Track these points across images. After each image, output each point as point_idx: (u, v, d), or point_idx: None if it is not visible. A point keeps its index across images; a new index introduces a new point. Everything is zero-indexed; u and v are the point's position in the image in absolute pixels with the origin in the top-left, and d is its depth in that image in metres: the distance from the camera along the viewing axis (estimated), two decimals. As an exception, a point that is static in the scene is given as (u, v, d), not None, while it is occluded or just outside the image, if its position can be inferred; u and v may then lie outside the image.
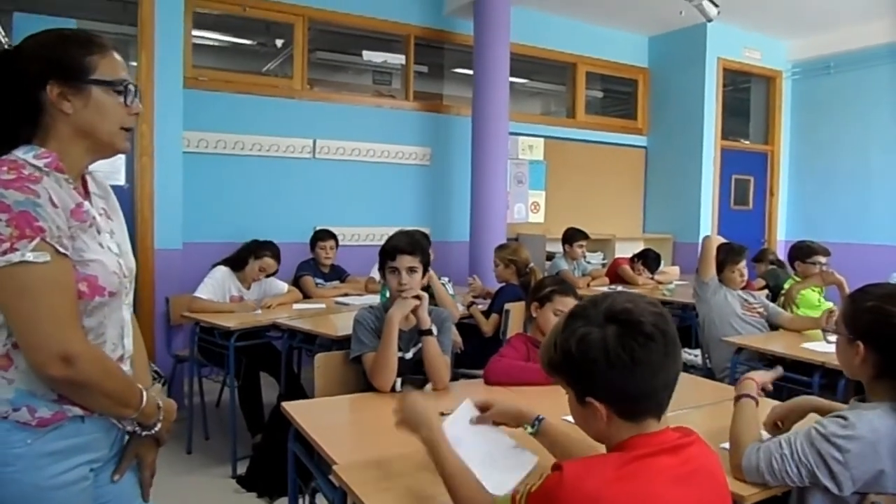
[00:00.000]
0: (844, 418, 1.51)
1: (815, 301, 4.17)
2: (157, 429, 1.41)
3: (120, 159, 4.50)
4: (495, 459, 1.47)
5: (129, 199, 4.53)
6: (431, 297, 4.02)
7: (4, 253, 1.16)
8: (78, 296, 1.27)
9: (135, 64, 4.61)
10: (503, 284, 4.35)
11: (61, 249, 1.22)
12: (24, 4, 4.86)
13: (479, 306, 4.29)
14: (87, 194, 1.40)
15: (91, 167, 1.44)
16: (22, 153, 1.26)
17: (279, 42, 6.06)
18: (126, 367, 1.44)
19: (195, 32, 5.34)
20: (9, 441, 1.24)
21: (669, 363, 1.14)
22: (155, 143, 4.53)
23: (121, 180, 4.52)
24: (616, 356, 1.10)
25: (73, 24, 4.57)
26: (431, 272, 4.14)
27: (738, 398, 1.74)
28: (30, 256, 1.17)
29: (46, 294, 1.20)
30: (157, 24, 4.50)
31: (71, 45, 1.32)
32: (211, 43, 5.92)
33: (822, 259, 4.23)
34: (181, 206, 4.65)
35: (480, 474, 1.33)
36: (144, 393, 1.36)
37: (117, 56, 1.38)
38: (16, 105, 1.30)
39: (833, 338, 1.79)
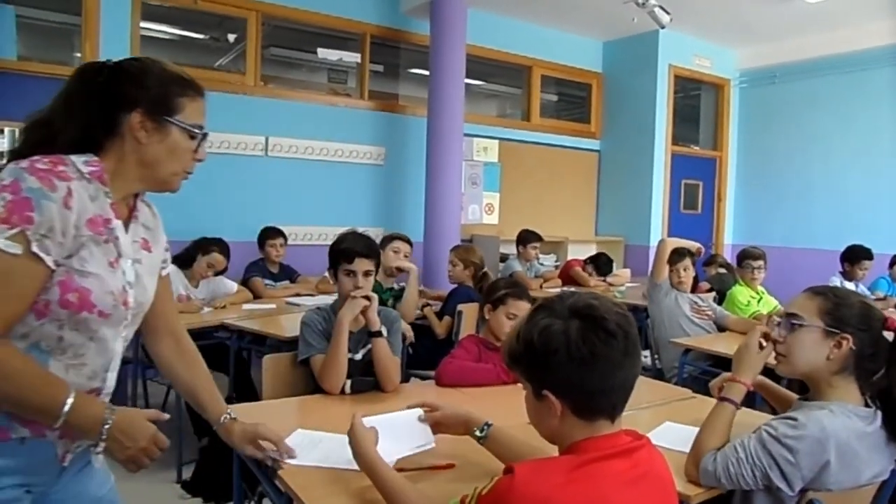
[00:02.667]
0: (794, 419, 1.53)
1: (743, 302, 4.29)
2: (97, 449, 1.27)
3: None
4: (395, 429, 1.54)
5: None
6: (398, 295, 4.01)
7: None
8: (65, 305, 1.21)
9: (78, 55, 4.46)
10: (456, 286, 4.34)
11: (35, 249, 1.16)
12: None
13: (433, 307, 4.27)
14: (129, 217, 1.38)
15: None
16: (75, 157, 1.26)
17: (232, 37, 5.94)
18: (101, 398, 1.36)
19: (143, 24, 5.17)
20: None
21: (628, 364, 1.14)
22: (99, 137, 4.38)
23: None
24: (576, 349, 1.10)
25: (10, 11, 4.41)
26: (413, 267, 4.12)
27: (720, 399, 1.69)
28: (1, 244, 1.13)
29: None
30: (102, 14, 4.37)
31: (171, 83, 1.34)
32: (160, 36, 5.75)
33: (753, 262, 4.35)
34: (126, 203, 4.49)
35: (380, 446, 1.44)
36: (68, 403, 1.21)
37: (203, 102, 1.40)
38: (96, 117, 1.30)
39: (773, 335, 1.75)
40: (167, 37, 5.89)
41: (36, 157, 1.20)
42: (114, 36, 4.41)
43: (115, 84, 1.31)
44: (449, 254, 4.50)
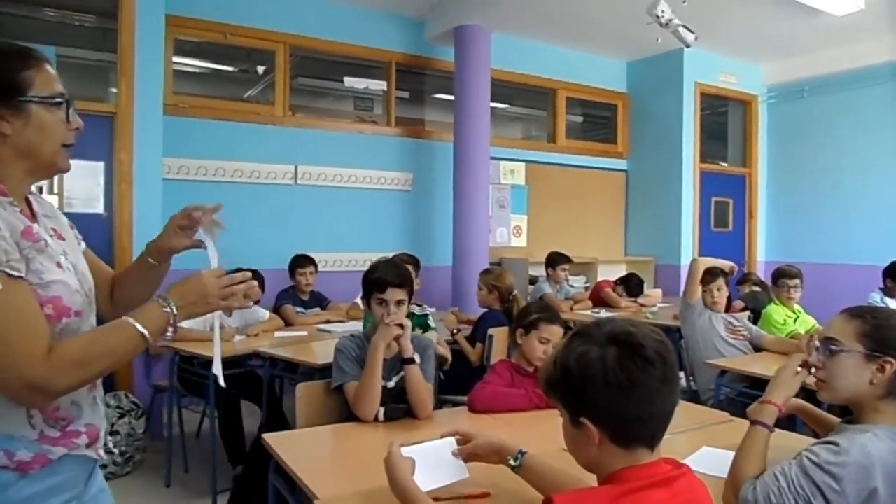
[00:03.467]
0: (836, 444, 1.48)
1: (779, 321, 4.20)
2: (169, 330, 1.32)
3: (98, 187, 4.46)
4: (430, 459, 1.52)
5: (108, 227, 4.47)
6: (422, 324, 4.01)
7: None
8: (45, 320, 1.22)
9: (115, 91, 4.58)
10: (485, 310, 4.33)
11: (13, 273, 1.16)
12: (2, 31, 4.84)
13: (463, 332, 4.26)
14: (33, 216, 1.33)
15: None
16: None
17: (261, 68, 6.06)
18: (98, 391, 1.40)
19: (176, 59, 5.33)
20: None
21: (666, 391, 1.13)
22: (134, 170, 4.49)
23: (99, 208, 4.47)
24: (614, 376, 1.10)
25: (51, 51, 4.56)
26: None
27: (752, 423, 1.65)
28: None
29: (6, 323, 1.13)
30: (137, 50, 4.48)
31: (7, 60, 1.24)
32: (192, 70, 5.91)
33: (790, 281, 4.27)
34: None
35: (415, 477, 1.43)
36: (139, 327, 1.26)
37: (50, 68, 1.29)
38: None
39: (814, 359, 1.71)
40: (199, 70, 6.04)
41: None
42: (148, 71, 4.53)
43: None
44: (478, 278, 4.50)
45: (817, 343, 1.68)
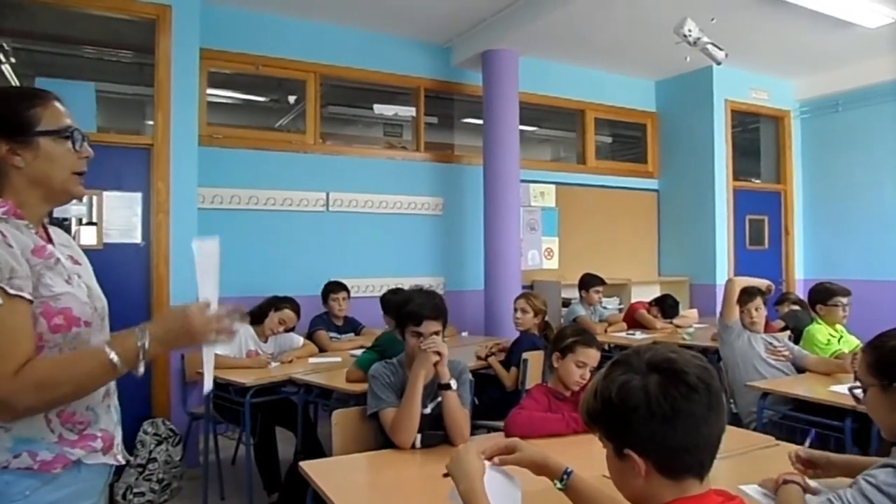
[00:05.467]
0: (894, 467, 1.44)
1: (823, 341, 4.07)
2: (139, 363, 1.31)
3: (136, 217, 4.55)
4: (494, 480, 1.44)
5: (146, 257, 4.55)
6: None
7: None
8: (55, 329, 1.31)
9: (151, 123, 4.70)
10: (520, 334, 4.29)
11: (11, 290, 1.24)
12: (45, 70, 5.01)
13: (497, 357, 4.22)
14: (49, 240, 1.43)
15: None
16: None
17: (292, 98, 6.17)
18: (113, 400, 1.47)
19: (210, 91, 5.45)
20: (8, 494, 1.25)
21: (713, 417, 1.10)
22: (171, 200, 4.58)
23: (137, 238, 4.56)
24: (657, 405, 1.07)
25: (91, 87, 4.71)
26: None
27: (784, 482, 1.66)
28: None
29: None
30: (173, 84, 4.60)
31: (12, 101, 1.37)
32: (225, 101, 6.04)
33: (843, 300, 4.14)
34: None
35: None
36: (113, 356, 1.28)
37: (59, 105, 1.41)
38: None
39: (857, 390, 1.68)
40: (232, 101, 6.17)
41: None
42: (183, 104, 4.64)
43: None
44: (517, 301, 4.43)
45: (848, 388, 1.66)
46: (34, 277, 1.29)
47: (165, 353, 1.34)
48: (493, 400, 3.84)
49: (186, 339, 1.36)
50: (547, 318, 4.38)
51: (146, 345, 1.30)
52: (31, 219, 1.37)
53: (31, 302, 1.28)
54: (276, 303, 4.31)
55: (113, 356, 1.28)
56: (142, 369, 1.32)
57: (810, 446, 2.02)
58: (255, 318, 4.24)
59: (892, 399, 1.53)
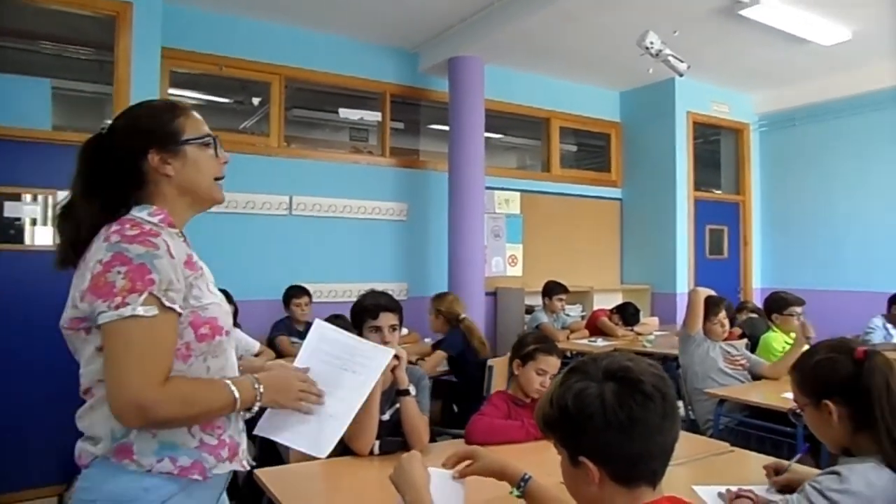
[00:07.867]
0: (838, 473, 1.48)
1: (778, 349, 4.17)
2: (257, 403, 1.44)
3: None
4: (439, 484, 1.45)
5: (101, 259, 4.44)
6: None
7: (117, 307, 1.23)
8: (202, 339, 1.35)
9: (110, 122, 4.60)
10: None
11: (167, 303, 1.29)
12: (3, 66, 4.86)
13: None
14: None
15: None
16: (137, 212, 1.38)
17: (256, 100, 6.10)
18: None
19: (171, 91, 5.35)
20: (146, 500, 1.29)
21: (667, 426, 1.11)
22: (129, 201, 4.47)
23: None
24: (613, 414, 1.07)
25: (46, 83, 4.59)
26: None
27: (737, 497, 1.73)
28: (140, 311, 1.24)
29: (143, 346, 1.25)
30: (132, 83, 4.51)
31: (159, 114, 1.44)
32: (188, 101, 5.93)
33: (798, 309, 4.25)
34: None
35: None
36: (235, 391, 1.38)
37: (195, 114, 1.49)
38: (123, 176, 1.40)
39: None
40: (194, 102, 6.07)
41: (115, 228, 1.31)
42: (143, 104, 4.56)
43: (120, 144, 1.41)
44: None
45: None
46: (186, 289, 1.34)
47: (274, 404, 1.52)
48: (456, 407, 3.85)
49: (284, 399, 1.51)
50: (465, 317, 4.63)
51: (261, 390, 1.43)
52: (179, 227, 1.45)
53: (180, 315, 1.33)
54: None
55: (237, 393, 1.38)
56: (255, 409, 1.45)
57: (798, 461, 2.08)
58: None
59: (826, 415, 1.57)
